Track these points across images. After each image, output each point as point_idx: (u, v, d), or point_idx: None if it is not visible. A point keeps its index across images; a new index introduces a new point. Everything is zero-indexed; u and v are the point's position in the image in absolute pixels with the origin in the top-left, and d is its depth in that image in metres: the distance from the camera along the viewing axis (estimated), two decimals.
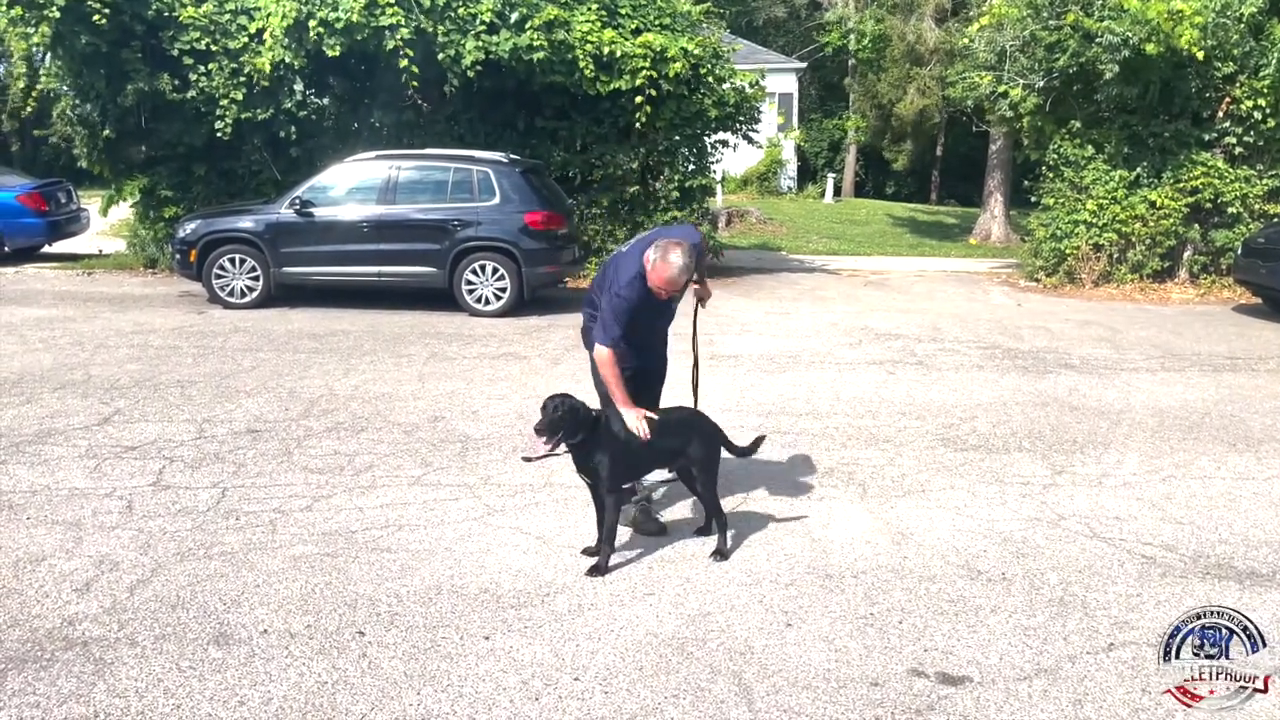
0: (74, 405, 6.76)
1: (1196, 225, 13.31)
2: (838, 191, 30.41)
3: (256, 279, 10.82)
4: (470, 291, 10.70)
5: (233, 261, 10.81)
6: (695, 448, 4.50)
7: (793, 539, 4.67)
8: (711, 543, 4.52)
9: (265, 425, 6.38)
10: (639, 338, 4.62)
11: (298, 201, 10.71)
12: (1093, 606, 4.00)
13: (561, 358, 8.60)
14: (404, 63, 11.67)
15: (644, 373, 4.76)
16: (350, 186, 10.92)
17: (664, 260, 4.31)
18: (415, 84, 12.02)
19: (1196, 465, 5.95)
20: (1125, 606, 4.00)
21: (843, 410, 7.07)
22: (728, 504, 5.09)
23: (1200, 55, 11.81)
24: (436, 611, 3.87)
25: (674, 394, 5.18)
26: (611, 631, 3.73)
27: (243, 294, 10.84)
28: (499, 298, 10.68)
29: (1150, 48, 11.63)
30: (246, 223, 10.88)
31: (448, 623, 3.78)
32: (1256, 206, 13.04)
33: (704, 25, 14.10)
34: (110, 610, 3.81)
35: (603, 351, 4.41)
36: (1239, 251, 12.09)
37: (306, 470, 5.51)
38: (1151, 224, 13.12)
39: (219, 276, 10.82)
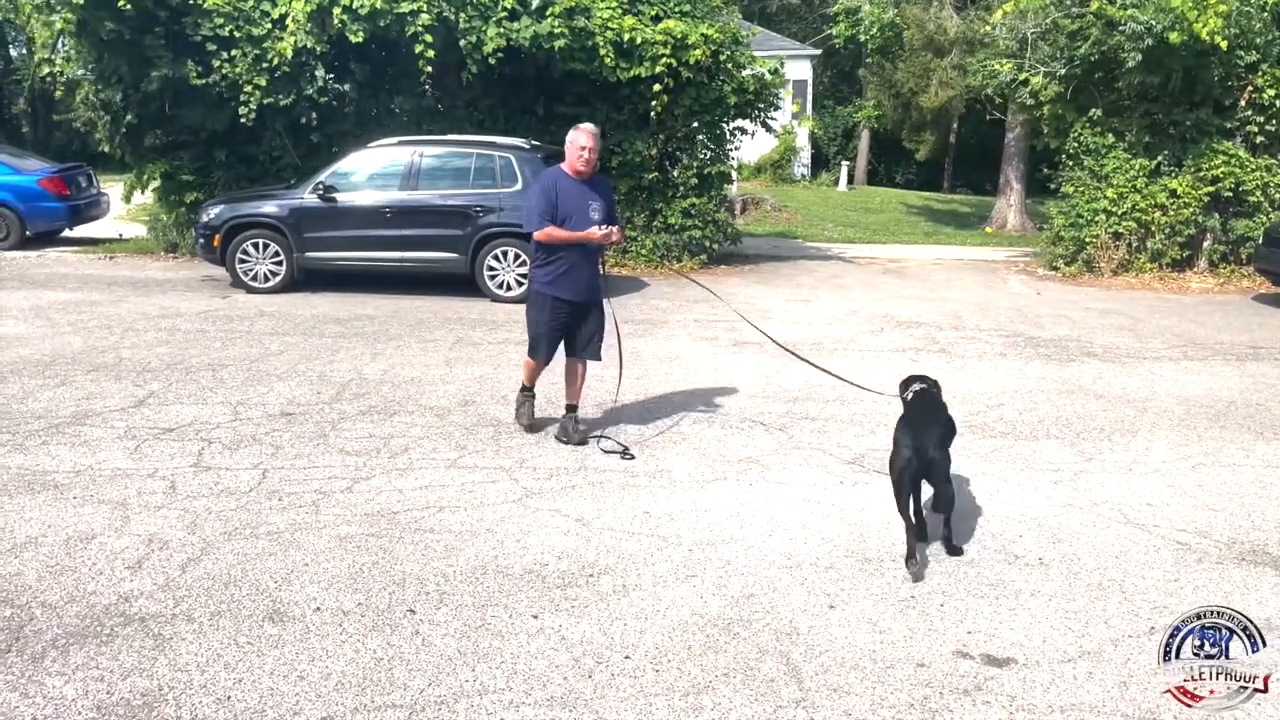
0: (108, 387, 6.83)
1: (1216, 214, 13.28)
2: (851, 179, 30.37)
3: (280, 264, 10.88)
4: (492, 277, 10.75)
5: (256, 246, 10.86)
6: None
7: (829, 523, 4.72)
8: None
9: (298, 408, 6.44)
10: (571, 263, 5.64)
11: (321, 187, 10.76)
12: (1131, 591, 4.04)
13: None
14: (420, 48, 11.69)
15: (568, 304, 5.74)
16: (373, 172, 10.96)
17: (573, 130, 5.63)
18: (430, 69, 12.01)
19: (1225, 453, 5.98)
20: (1164, 591, 4.04)
21: (869, 397, 7.05)
22: (761, 488, 5.15)
23: (1224, 44, 11.75)
24: (484, 590, 3.93)
25: (689, 379, 5.23)
26: (657, 612, 3.79)
27: (266, 279, 10.90)
28: (520, 284, 10.67)
29: (1174, 36, 11.57)
30: (270, 208, 10.93)
31: (496, 601, 3.84)
32: (1277, 196, 13.01)
33: (723, 11, 14.07)
34: (164, 587, 3.88)
35: (537, 234, 5.62)
36: (1260, 241, 12.07)
37: (343, 453, 5.57)
38: (1171, 213, 13.09)
39: (242, 261, 10.88)
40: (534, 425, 6.02)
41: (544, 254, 5.73)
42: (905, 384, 5.10)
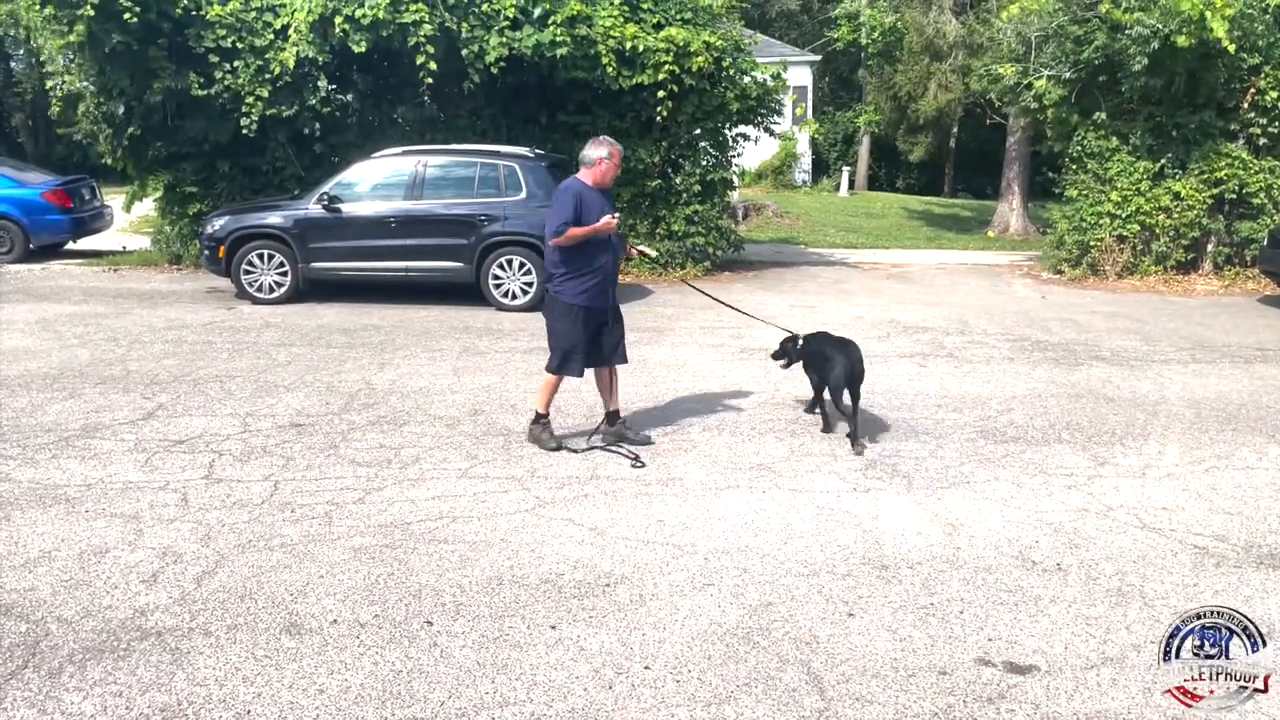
0: (117, 400, 6.82)
1: (1220, 216, 13.30)
2: (851, 184, 30.41)
3: (285, 275, 10.88)
4: (497, 286, 10.75)
5: (261, 257, 10.87)
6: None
7: (844, 530, 4.70)
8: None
9: (308, 419, 6.43)
10: (604, 273, 5.74)
11: (325, 197, 10.76)
12: (1151, 596, 4.02)
13: None
14: (421, 59, 11.71)
15: (600, 313, 5.81)
16: (377, 182, 10.96)
17: (594, 142, 5.74)
18: (430, 80, 12.01)
19: (1238, 456, 5.96)
20: (1183, 596, 4.02)
21: (878, 403, 7.08)
22: (775, 496, 5.14)
23: (1231, 47, 11.75)
24: (500, 601, 3.91)
25: (697, 386, 5.20)
26: (676, 621, 3.77)
27: (271, 290, 10.90)
28: (525, 292, 10.71)
29: (1181, 40, 11.57)
30: (275, 219, 10.93)
31: (513, 612, 3.82)
32: None
33: (725, 19, 14.09)
34: (180, 601, 3.86)
35: (557, 236, 5.55)
36: (1265, 242, 12.06)
37: (354, 463, 5.56)
38: (1175, 215, 13.10)
39: (247, 272, 10.88)
40: (561, 443, 5.90)
41: (573, 266, 5.67)
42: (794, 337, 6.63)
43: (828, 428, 6.33)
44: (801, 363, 6.56)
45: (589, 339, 5.80)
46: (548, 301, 5.95)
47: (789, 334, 6.67)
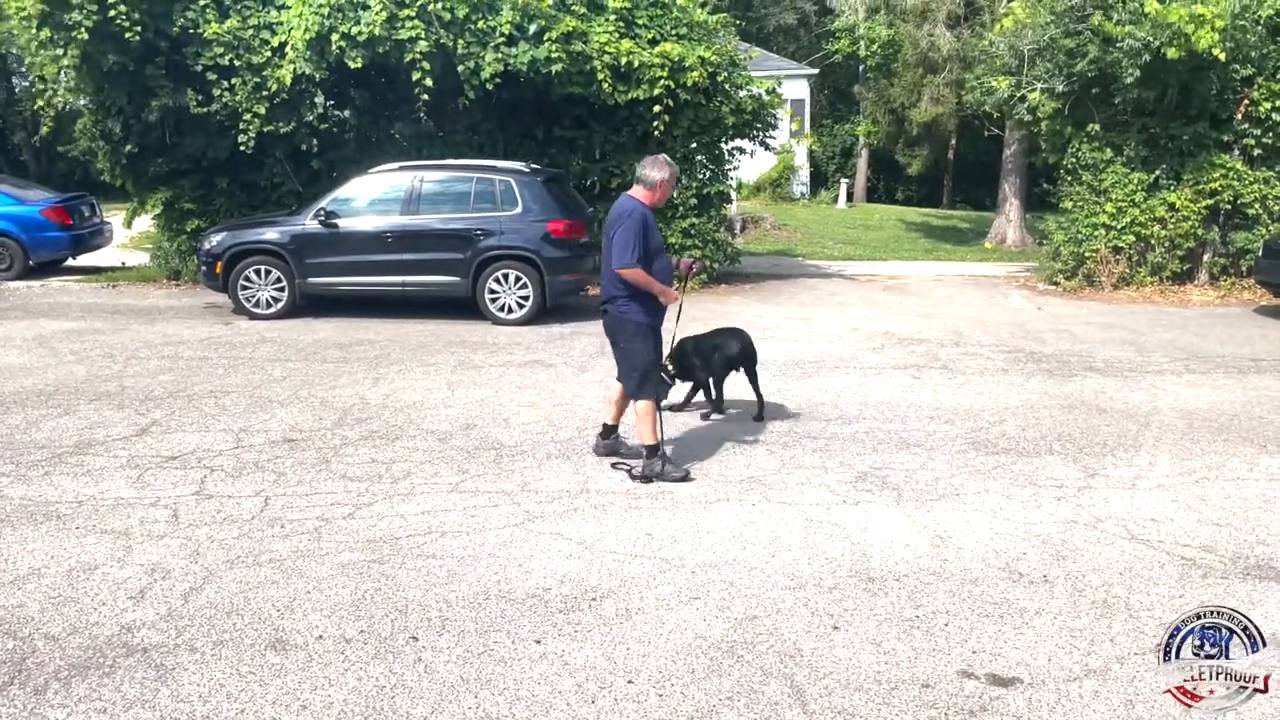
0: (111, 416, 6.84)
1: (1216, 227, 13.33)
2: (850, 197, 30.48)
3: (282, 290, 10.92)
4: (493, 300, 10.78)
5: (258, 273, 10.91)
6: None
7: (831, 543, 4.70)
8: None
9: (301, 434, 6.45)
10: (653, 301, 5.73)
11: (322, 213, 10.81)
12: (1137, 608, 4.03)
13: (587, 365, 8.64)
14: (417, 75, 11.78)
15: (656, 331, 5.84)
16: (373, 197, 11.02)
17: (654, 163, 5.64)
18: (426, 96, 12.06)
19: (1229, 467, 5.96)
20: (1169, 608, 4.02)
21: (871, 414, 7.10)
22: (764, 509, 5.15)
23: (1222, 56, 11.79)
24: (486, 616, 3.92)
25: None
26: (660, 635, 3.78)
27: (268, 305, 10.94)
28: (521, 306, 10.75)
29: (1171, 52, 11.63)
30: (272, 234, 10.98)
31: (498, 627, 3.83)
32: (1276, 208, 13.05)
33: (720, 34, 14.17)
34: (167, 617, 3.87)
35: (628, 273, 5.45)
36: (1260, 253, 12.08)
37: (345, 479, 5.58)
38: (1170, 226, 13.13)
39: (245, 288, 10.92)
40: (688, 471, 5.66)
41: (633, 288, 5.58)
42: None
43: (720, 409, 7.06)
44: (680, 374, 6.86)
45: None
46: (613, 323, 5.70)
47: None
